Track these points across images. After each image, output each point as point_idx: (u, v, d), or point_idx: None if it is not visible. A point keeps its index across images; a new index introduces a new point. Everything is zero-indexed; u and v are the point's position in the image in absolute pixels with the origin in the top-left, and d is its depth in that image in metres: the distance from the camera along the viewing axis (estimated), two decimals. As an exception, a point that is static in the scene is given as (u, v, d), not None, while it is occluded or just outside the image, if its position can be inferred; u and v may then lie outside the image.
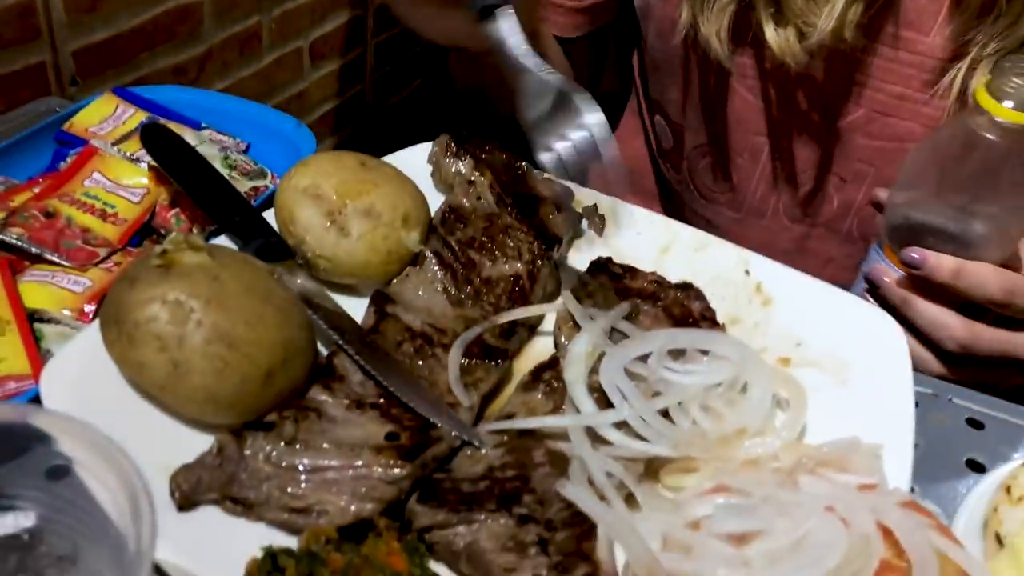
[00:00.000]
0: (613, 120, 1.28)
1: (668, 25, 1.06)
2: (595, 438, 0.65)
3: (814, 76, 1.01)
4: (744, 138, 1.10)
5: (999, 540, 0.63)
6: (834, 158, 1.07)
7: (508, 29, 0.69)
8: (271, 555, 0.54)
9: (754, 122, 1.08)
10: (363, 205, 0.79)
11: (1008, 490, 0.66)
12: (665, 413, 0.67)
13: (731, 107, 1.09)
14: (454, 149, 0.92)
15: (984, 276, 0.83)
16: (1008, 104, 0.77)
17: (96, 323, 0.66)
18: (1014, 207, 0.83)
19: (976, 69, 0.93)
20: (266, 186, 0.97)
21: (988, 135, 0.79)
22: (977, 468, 0.77)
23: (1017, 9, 0.88)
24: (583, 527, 0.59)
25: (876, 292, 0.90)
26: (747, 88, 1.06)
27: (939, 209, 0.85)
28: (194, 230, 0.90)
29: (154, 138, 0.92)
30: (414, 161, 0.93)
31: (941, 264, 0.83)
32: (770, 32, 0.95)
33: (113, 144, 0.95)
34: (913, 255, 0.84)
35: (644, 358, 0.70)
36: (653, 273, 0.84)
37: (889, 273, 0.89)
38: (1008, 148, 0.79)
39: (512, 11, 0.69)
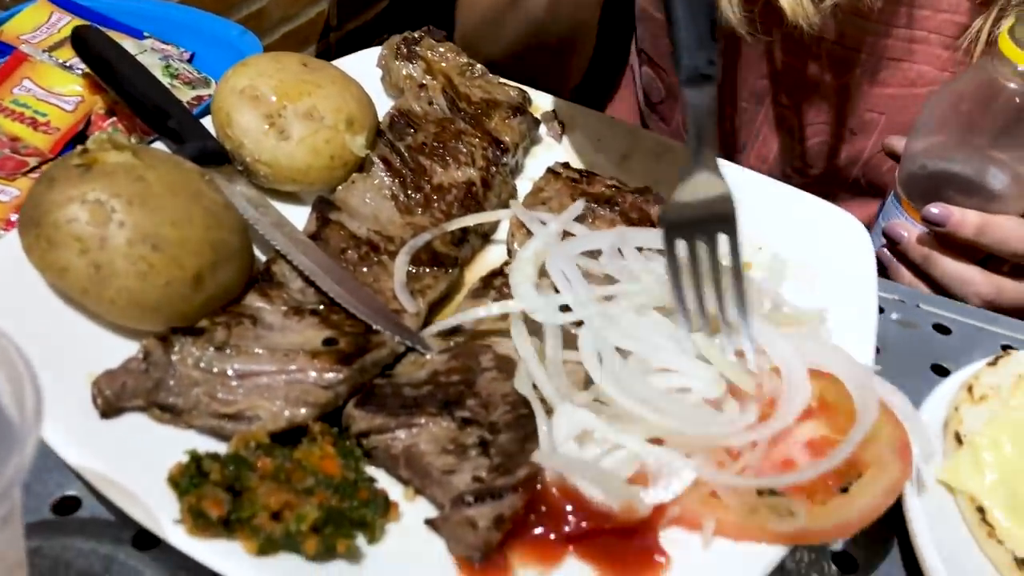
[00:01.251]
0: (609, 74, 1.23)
1: None
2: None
3: (826, 26, 0.95)
4: (748, 82, 1.04)
5: (959, 439, 0.61)
6: (842, 109, 1.02)
7: None
8: (195, 459, 0.52)
9: (762, 68, 1.02)
10: (304, 107, 0.75)
11: (970, 389, 0.65)
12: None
13: (739, 58, 1.02)
14: (405, 52, 0.87)
15: (1010, 230, 0.80)
16: None
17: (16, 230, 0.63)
18: None
19: (1004, 18, 0.87)
20: (209, 95, 0.93)
21: (1011, 84, 0.76)
22: (942, 373, 0.75)
23: None
24: (527, 429, 0.57)
25: (895, 247, 0.87)
26: (757, 41, 0.98)
27: (960, 158, 0.82)
28: (132, 139, 0.85)
29: (86, 43, 0.87)
30: (364, 66, 0.88)
31: (966, 220, 0.80)
32: None
33: (45, 51, 0.90)
34: (935, 211, 0.81)
35: (596, 256, 0.67)
36: (612, 178, 0.80)
37: (909, 228, 0.85)
38: None
39: None
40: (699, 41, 0.60)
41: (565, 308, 0.63)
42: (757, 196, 0.80)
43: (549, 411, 0.57)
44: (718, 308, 0.62)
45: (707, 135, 0.60)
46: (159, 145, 0.78)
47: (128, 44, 0.94)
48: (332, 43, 1.88)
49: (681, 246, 0.61)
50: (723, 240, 0.61)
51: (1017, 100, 0.77)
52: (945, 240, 0.83)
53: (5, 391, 0.38)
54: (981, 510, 0.57)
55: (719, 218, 0.61)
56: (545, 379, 0.58)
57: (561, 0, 0.94)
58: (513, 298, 0.66)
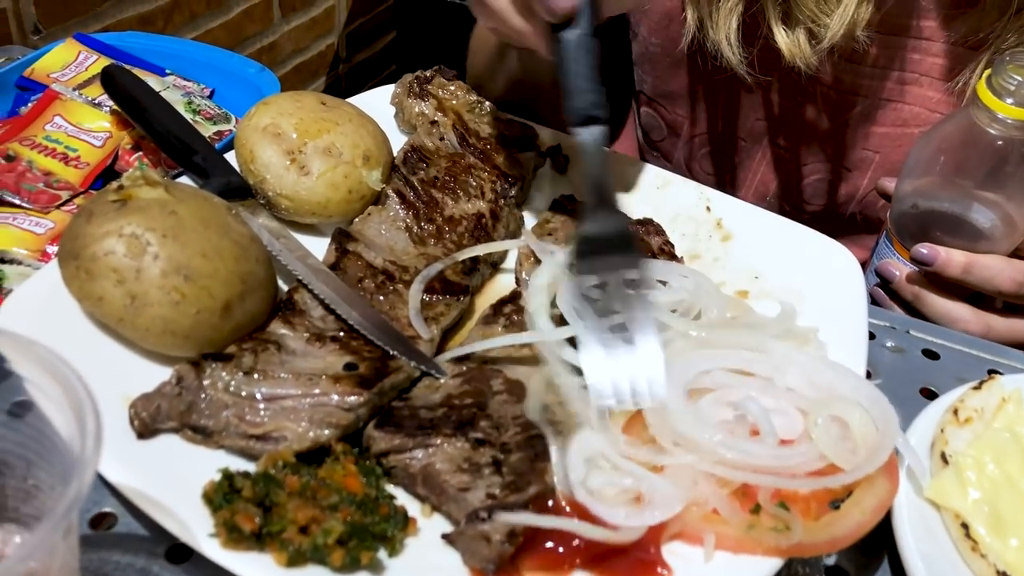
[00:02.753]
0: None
1: (666, 20, 1.03)
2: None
3: (823, 71, 0.98)
4: (748, 123, 1.08)
5: (944, 459, 0.65)
6: (838, 149, 1.05)
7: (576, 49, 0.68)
8: (228, 477, 0.55)
9: (760, 110, 1.06)
10: (323, 143, 0.79)
11: (955, 412, 0.68)
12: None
13: (739, 100, 1.06)
14: (417, 90, 0.92)
15: (995, 269, 0.83)
16: (1009, 101, 0.78)
17: (55, 261, 0.67)
18: (1019, 198, 0.83)
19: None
20: (230, 130, 0.97)
21: (991, 129, 0.79)
22: (931, 397, 0.78)
23: None
24: (537, 449, 0.60)
25: (888, 286, 0.90)
26: (753, 81, 1.02)
27: (947, 199, 0.85)
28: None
29: (114, 81, 0.92)
30: (377, 103, 0.93)
31: (952, 260, 0.83)
32: (780, 35, 0.91)
33: (75, 89, 0.95)
34: (923, 251, 0.84)
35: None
36: (614, 210, 0.84)
37: (899, 267, 0.89)
38: (1011, 142, 0.80)
39: (584, 34, 0.67)
40: (586, 86, 0.66)
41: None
42: (752, 227, 0.85)
43: (559, 433, 0.61)
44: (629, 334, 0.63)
45: (603, 173, 0.65)
46: (184, 179, 0.82)
47: (152, 81, 0.98)
48: (341, 74, 1.93)
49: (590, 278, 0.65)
50: (629, 272, 0.64)
51: (998, 144, 0.80)
52: (934, 278, 0.86)
53: (69, 419, 0.41)
54: (965, 526, 0.61)
55: (623, 251, 0.64)
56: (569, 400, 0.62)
57: (527, 67, 0.98)
58: (523, 327, 0.70)
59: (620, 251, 0.64)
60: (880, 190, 0.96)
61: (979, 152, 0.81)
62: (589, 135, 0.66)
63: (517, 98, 0.98)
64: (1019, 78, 0.77)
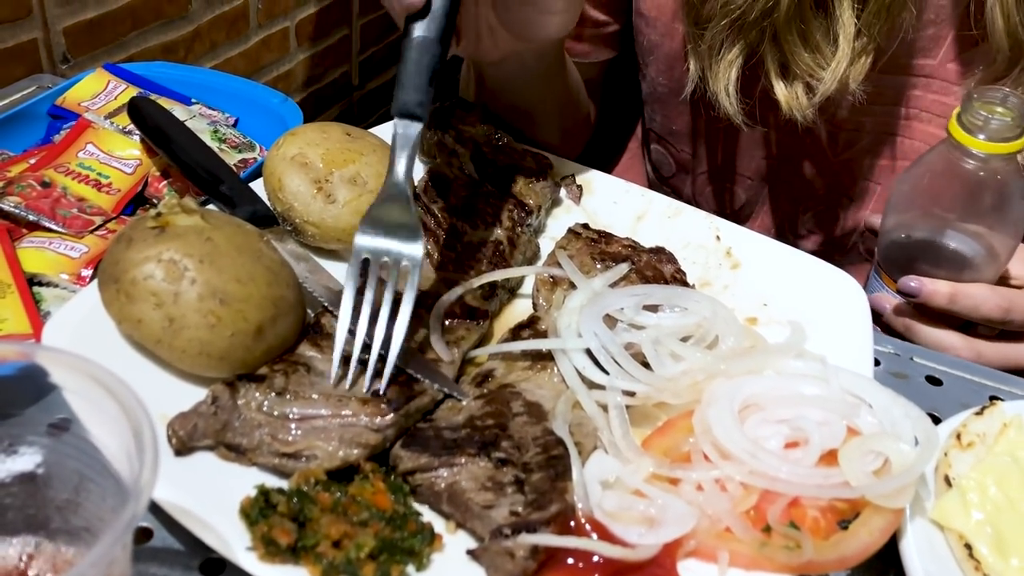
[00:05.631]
0: (615, 147, 1.30)
1: (672, 62, 1.07)
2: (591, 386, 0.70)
3: (823, 118, 1.01)
4: (753, 162, 1.11)
5: (948, 482, 0.67)
6: (840, 182, 1.08)
7: None
8: (264, 493, 0.58)
9: (764, 149, 1.09)
10: (349, 173, 0.82)
11: (958, 437, 0.71)
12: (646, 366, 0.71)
13: (739, 140, 1.10)
14: (437, 121, 0.95)
15: (979, 298, 0.86)
16: (980, 136, 0.81)
17: (93, 285, 0.70)
18: (999, 228, 0.86)
19: None
20: (254, 158, 1.00)
21: (966, 164, 0.83)
22: (935, 422, 0.80)
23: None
24: (557, 469, 0.63)
25: (880, 319, 0.93)
26: (752, 130, 1.05)
27: (930, 232, 0.88)
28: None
29: (140, 113, 0.95)
30: (398, 133, 0.96)
31: (937, 290, 0.86)
32: (779, 88, 0.94)
33: (106, 118, 0.98)
34: (911, 284, 0.87)
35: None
36: (628, 238, 0.87)
37: (889, 300, 0.92)
38: (985, 175, 0.83)
39: (426, 36, 0.74)
40: (416, 86, 0.72)
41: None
42: (761, 256, 0.88)
43: (579, 453, 0.64)
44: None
45: (407, 166, 0.72)
46: (211, 208, 0.85)
47: (178, 110, 1.01)
48: (355, 101, 1.97)
49: (365, 261, 0.70)
50: (404, 267, 0.70)
51: (974, 178, 0.83)
52: (923, 309, 0.89)
53: (125, 434, 0.44)
54: (968, 546, 0.63)
55: (404, 243, 0.70)
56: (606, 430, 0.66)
57: (505, 91, 1.03)
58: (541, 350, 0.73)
59: (404, 238, 0.70)
60: (868, 225, 0.98)
61: (957, 186, 0.85)
62: (403, 128, 0.72)
63: (511, 121, 1.02)
64: (986, 114, 0.81)
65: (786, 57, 0.92)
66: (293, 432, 0.64)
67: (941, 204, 0.87)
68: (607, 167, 1.30)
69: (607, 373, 0.70)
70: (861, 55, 0.91)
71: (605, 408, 0.68)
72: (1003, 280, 0.91)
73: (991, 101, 0.82)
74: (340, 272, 0.80)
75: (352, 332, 0.68)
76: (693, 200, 1.20)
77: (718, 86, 0.96)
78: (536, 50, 0.95)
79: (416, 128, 0.72)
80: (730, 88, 0.95)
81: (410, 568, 0.57)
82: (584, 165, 0.98)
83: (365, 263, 0.70)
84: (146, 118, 0.95)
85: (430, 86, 0.72)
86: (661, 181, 1.24)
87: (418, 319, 0.77)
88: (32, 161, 0.91)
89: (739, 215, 1.17)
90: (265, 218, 0.82)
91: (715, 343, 0.74)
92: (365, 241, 0.70)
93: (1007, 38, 0.90)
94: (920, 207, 0.88)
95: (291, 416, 0.64)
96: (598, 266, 0.82)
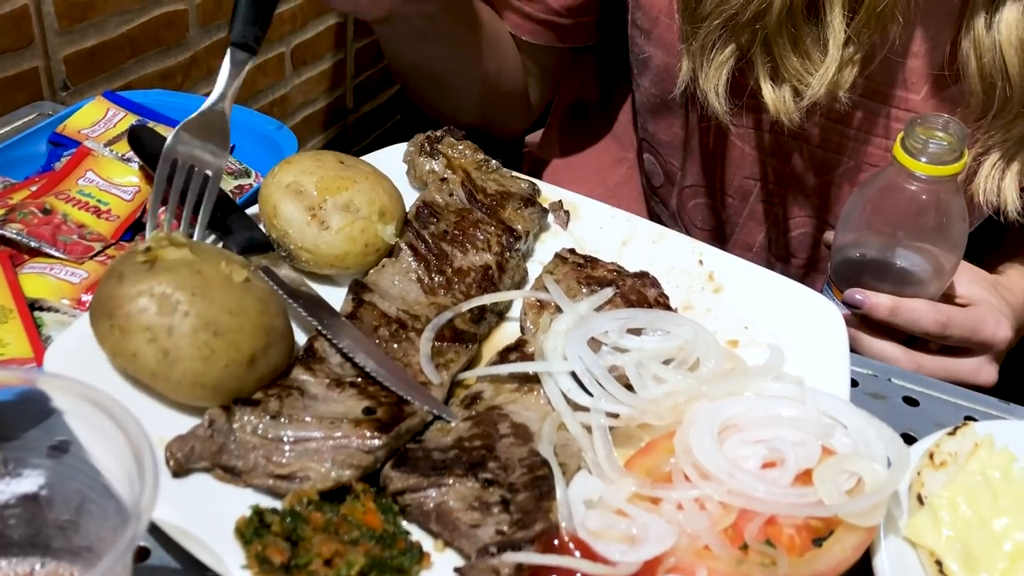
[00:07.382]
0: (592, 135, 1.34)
1: (667, 74, 1.10)
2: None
3: (808, 131, 1.05)
4: (735, 180, 1.14)
5: (920, 500, 0.69)
6: (822, 204, 1.12)
7: None
8: (259, 514, 0.60)
9: (747, 168, 1.13)
10: (342, 200, 0.85)
11: (931, 456, 0.73)
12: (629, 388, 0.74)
13: (725, 153, 1.13)
14: (428, 148, 0.98)
15: (919, 312, 0.91)
16: (923, 159, 0.86)
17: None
18: (942, 247, 0.91)
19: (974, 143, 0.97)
20: (250, 184, 1.02)
21: (910, 186, 0.88)
22: (911, 441, 0.83)
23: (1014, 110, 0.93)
24: (542, 489, 0.65)
25: None
26: (742, 138, 1.10)
27: (878, 248, 0.93)
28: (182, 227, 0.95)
29: (140, 139, 0.98)
30: (390, 160, 0.99)
31: (879, 303, 0.91)
32: (767, 90, 0.97)
33: (105, 145, 1.01)
34: (856, 296, 0.92)
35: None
36: (613, 263, 0.90)
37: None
38: (928, 196, 0.88)
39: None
40: (255, 22, 0.84)
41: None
42: (742, 280, 0.90)
43: (564, 474, 0.66)
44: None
45: (233, 87, 0.85)
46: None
47: (176, 137, 1.04)
48: (349, 124, 2.00)
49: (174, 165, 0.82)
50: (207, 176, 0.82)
51: (918, 199, 0.88)
52: (868, 321, 0.93)
53: (125, 457, 0.46)
54: (939, 563, 0.65)
55: (210, 158, 0.83)
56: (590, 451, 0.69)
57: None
58: (528, 373, 0.76)
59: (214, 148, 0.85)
60: (824, 242, 1.02)
61: (903, 206, 0.89)
62: (238, 56, 0.84)
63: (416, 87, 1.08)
64: (926, 138, 0.85)
65: (776, 61, 0.95)
66: (287, 454, 0.66)
67: (889, 223, 0.91)
68: (608, 170, 1.34)
69: (591, 395, 0.72)
70: (849, 63, 0.94)
71: (589, 429, 0.71)
72: (949, 298, 0.95)
73: (933, 127, 0.87)
74: (332, 296, 0.82)
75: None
76: (677, 213, 1.23)
77: (708, 85, 0.99)
78: (420, 11, 1.02)
79: (247, 59, 0.84)
80: (720, 88, 0.98)
81: (399, 585, 0.60)
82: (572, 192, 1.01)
83: (174, 164, 0.83)
84: (145, 146, 0.97)
85: (266, 25, 0.85)
86: (652, 191, 1.28)
87: (408, 342, 0.79)
88: (34, 188, 0.93)
89: (719, 234, 1.20)
90: (260, 244, 0.84)
91: (696, 365, 0.76)
92: (178, 144, 0.82)
93: (979, 81, 0.93)
94: (869, 225, 0.93)
95: (285, 439, 0.66)
96: (584, 290, 0.85)
